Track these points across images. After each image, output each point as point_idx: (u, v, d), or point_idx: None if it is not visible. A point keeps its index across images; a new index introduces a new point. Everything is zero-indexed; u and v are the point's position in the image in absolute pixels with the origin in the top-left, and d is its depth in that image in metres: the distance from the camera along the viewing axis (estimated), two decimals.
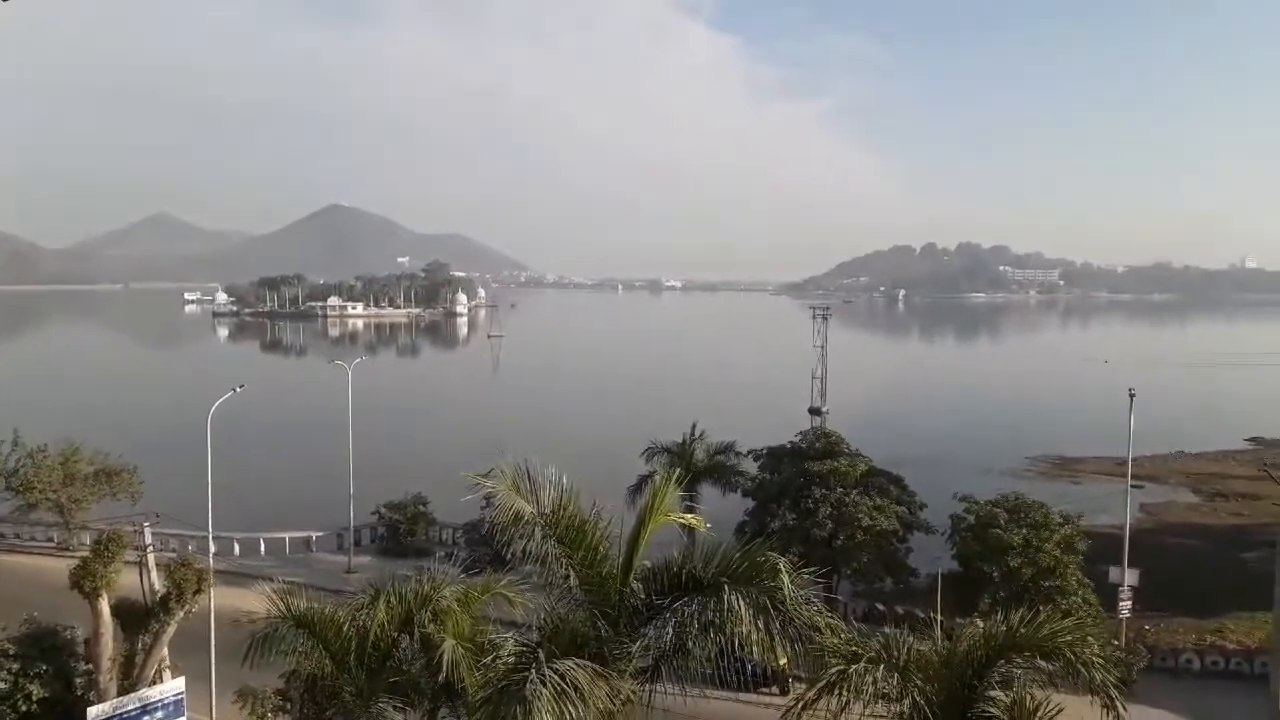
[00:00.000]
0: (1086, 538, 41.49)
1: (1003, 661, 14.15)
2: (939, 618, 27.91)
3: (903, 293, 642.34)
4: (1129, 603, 38.15)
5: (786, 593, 13.46)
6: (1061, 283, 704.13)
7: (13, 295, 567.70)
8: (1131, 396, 40.20)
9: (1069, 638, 13.89)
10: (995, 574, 39.26)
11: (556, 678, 12.65)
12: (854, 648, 14.48)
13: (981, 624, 15.80)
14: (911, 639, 14.98)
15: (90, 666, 24.18)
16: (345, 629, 17.35)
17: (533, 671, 12.81)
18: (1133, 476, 42.86)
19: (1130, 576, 38.75)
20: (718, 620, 13.67)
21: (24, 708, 22.99)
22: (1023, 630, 14.16)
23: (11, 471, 49.57)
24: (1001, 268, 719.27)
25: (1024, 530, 39.88)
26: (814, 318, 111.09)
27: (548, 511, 14.91)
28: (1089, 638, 14.40)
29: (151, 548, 27.06)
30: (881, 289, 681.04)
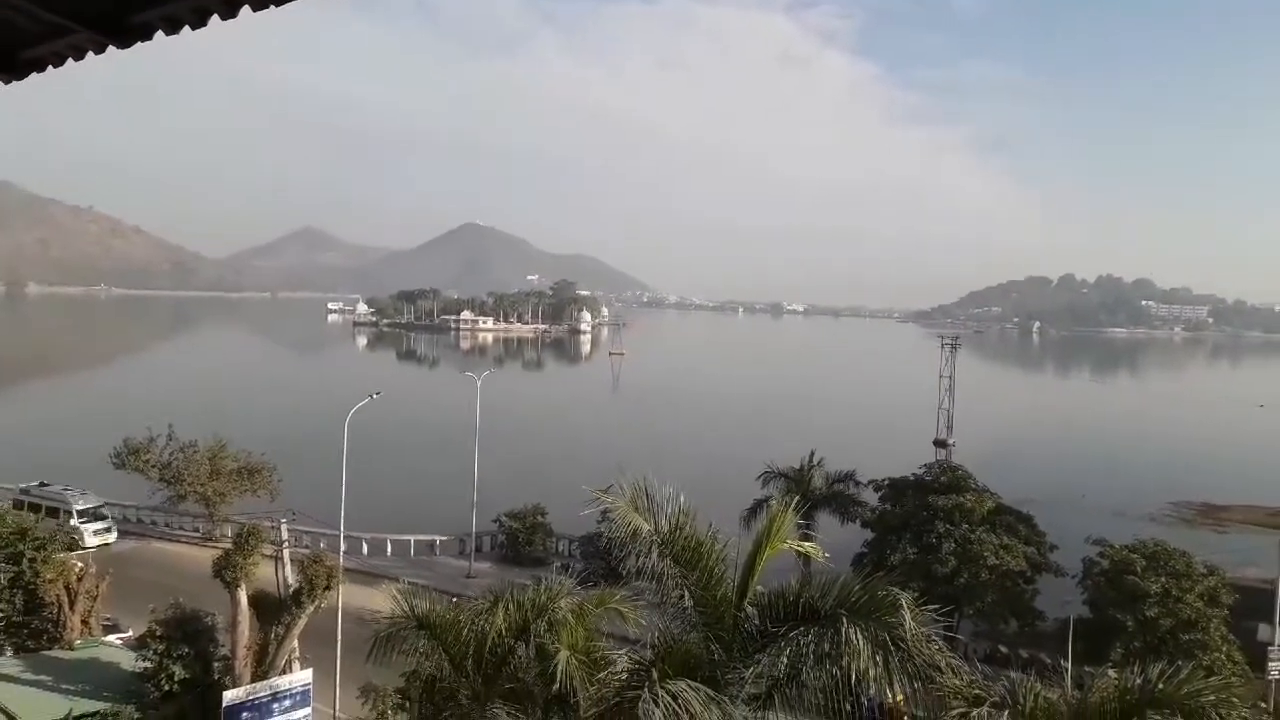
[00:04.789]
0: (1233, 591, 38.91)
1: (1137, 718, 13.37)
2: (1069, 666, 26.61)
3: (1037, 325, 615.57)
4: None
5: (907, 629, 13.08)
6: (1210, 320, 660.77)
7: (174, 300, 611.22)
8: None
9: (1213, 697, 12.99)
10: (1130, 623, 37.24)
11: (669, 698, 12.56)
12: (977, 690, 13.96)
13: (1116, 675, 14.97)
14: (1039, 686, 14.36)
15: (227, 652, 25.55)
16: (464, 633, 17.64)
17: (646, 690, 12.75)
18: None
19: None
20: (834, 652, 13.28)
21: (166, 687, 24.43)
22: (1162, 686, 13.30)
23: (165, 464, 52.77)
24: (1144, 302, 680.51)
25: (1163, 578, 37.71)
26: (942, 347, 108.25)
27: (665, 530, 14.89)
28: (1235, 699, 13.47)
29: (287, 543, 28.41)
30: (1015, 320, 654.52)
